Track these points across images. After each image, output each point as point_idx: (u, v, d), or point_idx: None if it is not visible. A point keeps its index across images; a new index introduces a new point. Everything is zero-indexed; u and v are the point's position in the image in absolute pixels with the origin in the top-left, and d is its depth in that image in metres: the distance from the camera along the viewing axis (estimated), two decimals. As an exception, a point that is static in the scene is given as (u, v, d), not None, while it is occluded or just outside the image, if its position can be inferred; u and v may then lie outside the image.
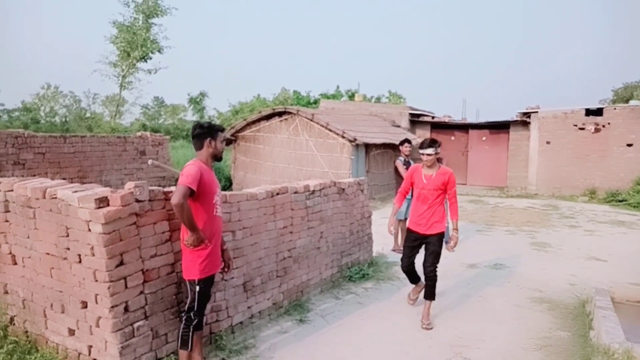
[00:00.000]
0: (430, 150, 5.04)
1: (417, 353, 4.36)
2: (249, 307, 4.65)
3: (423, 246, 5.19)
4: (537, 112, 15.94)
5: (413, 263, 5.29)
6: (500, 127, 17.01)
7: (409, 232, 5.24)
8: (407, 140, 8.26)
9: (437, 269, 5.07)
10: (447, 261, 7.52)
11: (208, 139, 3.63)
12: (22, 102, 32.93)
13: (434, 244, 5.07)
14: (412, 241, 5.22)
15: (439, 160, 8.33)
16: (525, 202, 14.35)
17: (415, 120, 18.02)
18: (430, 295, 5.08)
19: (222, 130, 3.80)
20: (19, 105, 32.54)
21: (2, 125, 22.56)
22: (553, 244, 8.84)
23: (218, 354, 4.11)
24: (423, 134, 17.80)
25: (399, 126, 17.31)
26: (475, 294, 6.02)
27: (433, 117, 18.30)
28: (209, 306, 3.94)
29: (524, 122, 16.34)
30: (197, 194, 3.46)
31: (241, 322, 4.55)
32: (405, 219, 8.17)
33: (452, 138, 17.89)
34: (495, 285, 6.37)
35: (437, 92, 77.05)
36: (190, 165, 3.52)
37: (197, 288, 3.54)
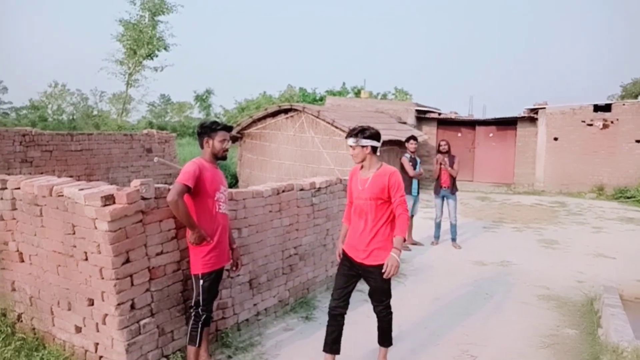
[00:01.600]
0: (350, 141, 3.62)
1: (423, 351, 4.34)
2: (254, 305, 4.65)
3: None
4: (544, 108, 15.82)
5: (346, 302, 3.78)
6: (507, 124, 16.90)
7: (343, 255, 3.82)
8: (413, 137, 8.23)
9: (390, 307, 3.84)
10: (454, 258, 7.50)
11: (205, 138, 3.66)
12: (29, 101, 33.18)
13: (376, 279, 3.62)
14: (347, 269, 3.75)
15: (450, 157, 8.26)
16: (532, 199, 14.27)
17: (422, 117, 17.95)
18: (385, 339, 3.92)
19: (226, 128, 3.73)
20: (26, 103, 32.80)
21: (10, 124, 22.75)
22: (561, 241, 8.78)
23: (224, 351, 4.11)
24: (429, 130, 17.73)
25: (405, 123, 17.25)
26: (482, 291, 5.99)
27: (439, 114, 18.22)
28: (215, 303, 3.94)
29: (531, 118, 16.22)
30: (196, 191, 3.48)
31: (247, 320, 4.56)
32: (412, 216, 8.17)
33: (459, 134, 17.80)
34: (502, 283, 6.34)
35: (444, 88, 76.93)
36: (189, 163, 3.56)
37: (202, 282, 3.57)
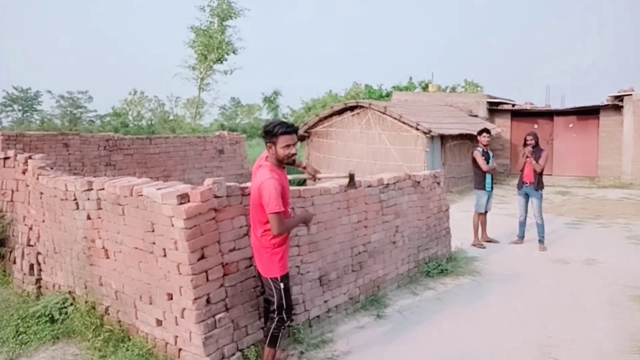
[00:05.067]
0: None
1: (501, 353, 4.14)
2: (325, 301, 4.65)
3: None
4: (631, 94, 14.60)
5: None
6: (588, 113, 15.79)
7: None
8: (486, 130, 7.89)
9: None
10: (533, 256, 7.13)
11: (268, 144, 3.41)
12: (112, 108, 35.32)
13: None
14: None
15: (538, 151, 7.62)
16: (619, 193, 13.25)
17: (494, 109, 17.22)
18: None
19: (289, 132, 3.36)
20: (109, 111, 35.03)
21: (95, 130, 24.41)
22: (654, 238, 8.08)
23: (296, 347, 4.15)
24: (502, 123, 16.97)
25: (476, 116, 16.63)
26: (565, 291, 5.63)
27: (513, 105, 17.38)
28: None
29: (615, 106, 15.05)
30: None
31: (318, 316, 4.57)
32: (486, 212, 7.85)
33: (535, 126, 16.84)
34: (588, 282, 5.92)
35: (517, 79, 73.50)
36: (267, 181, 3.27)
37: (282, 285, 3.52)
